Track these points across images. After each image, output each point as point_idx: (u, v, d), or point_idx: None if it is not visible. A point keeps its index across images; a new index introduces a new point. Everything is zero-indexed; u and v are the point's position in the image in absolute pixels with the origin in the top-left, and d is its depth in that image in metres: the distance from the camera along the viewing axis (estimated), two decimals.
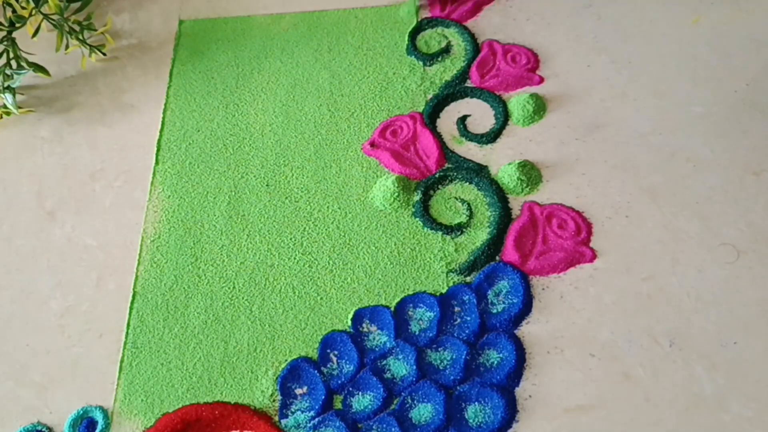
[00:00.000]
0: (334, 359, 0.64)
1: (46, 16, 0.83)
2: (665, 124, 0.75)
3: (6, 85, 0.81)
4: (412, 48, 0.83)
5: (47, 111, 0.84)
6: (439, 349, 0.64)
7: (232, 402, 0.63)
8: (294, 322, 0.67)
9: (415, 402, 0.61)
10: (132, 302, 0.69)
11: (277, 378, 0.64)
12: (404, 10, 0.86)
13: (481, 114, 0.78)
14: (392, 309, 0.66)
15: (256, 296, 0.68)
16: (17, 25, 0.81)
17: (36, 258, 0.73)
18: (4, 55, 0.81)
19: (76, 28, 0.85)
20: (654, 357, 0.61)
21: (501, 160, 0.74)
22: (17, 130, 0.83)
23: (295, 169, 0.76)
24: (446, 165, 0.74)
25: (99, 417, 0.63)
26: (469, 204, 0.72)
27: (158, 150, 0.79)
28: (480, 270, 0.67)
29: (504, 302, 0.65)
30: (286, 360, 0.65)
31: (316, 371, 0.64)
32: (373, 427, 0.61)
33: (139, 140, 0.80)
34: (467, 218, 0.71)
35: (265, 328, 0.66)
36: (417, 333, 0.65)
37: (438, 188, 0.73)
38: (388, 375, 0.63)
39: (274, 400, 0.63)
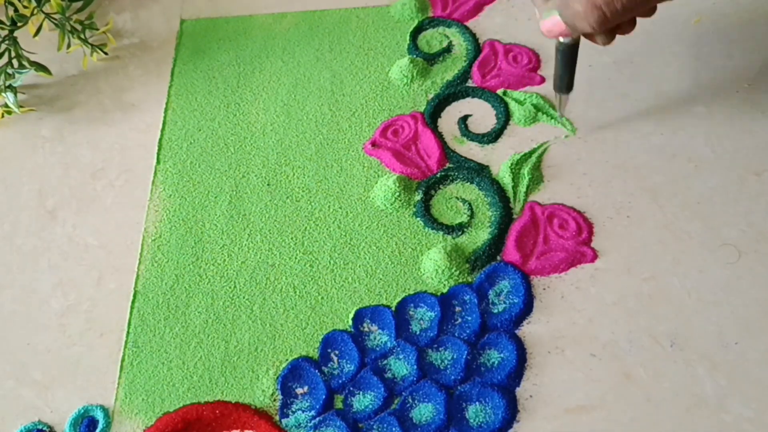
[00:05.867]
0: (335, 359, 0.64)
1: (47, 16, 0.83)
2: (666, 124, 0.74)
3: (7, 84, 0.81)
4: (414, 47, 0.83)
5: (48, 110, 0.84)
6: (440, 348, 0.64)
7: (233, 401, 0.63)
8: (295, 322, 0.67)
9: (416, 402, 0.61)
10: (133, 301, 0.69)
11: (277, 377, 0.64)
12: (398, 6, 0.87)
13: (482, 114, 0.78)
14: (393, 309, 0.66)
15: (257, 295, 0.68)
16: (19, 24, 0.81)
17: (37, 257, 0.73)
18: (6, 54, 0.81)
19: (78, 27, 0.85)
20: (655, 357, 0.61)
21: (502, 160, 0.74)
22: (18, 129, 0.83)
23: (297, 169, 0.76)
24: (447, 165, 0.74)
25: (100, 416, 0.63)
26: (470, 204, 0.72)
27: (159, 149, 0.79)
28: (481, 270, 0.67)
29: (505, 302, 0.65)
30: (286, 359, 0.65)
31: (316, 371, 0.64)
32: (374, 426, 0.61)
33: (140, 139, 0.80)
34: (468, 218, 0.71)
35: (266, 327, 0.67)
36: (418, 333, 0.65)
37: (439, 188, 0.73)
38: (388, 375, 0.63)
39: (274, 400, 0.63)
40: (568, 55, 0.65)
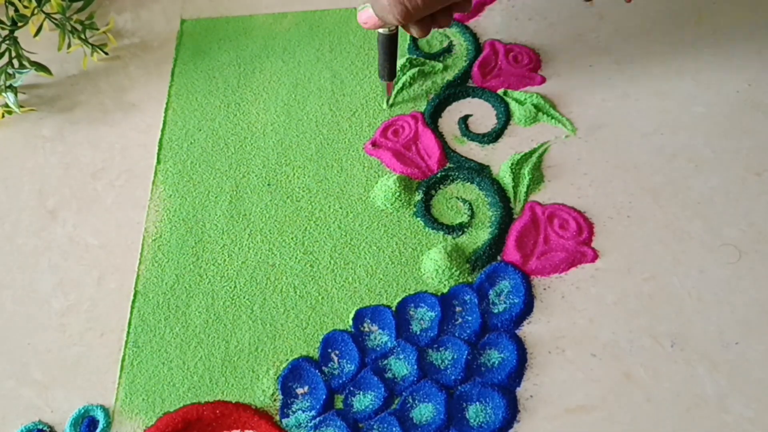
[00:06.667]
0: (335, 359, 0.64)
1: (48, 16, 0.83)
2: (667, 124, 0.75)
3: (8, 84, 0.81)
4: (414, 47, 0.83)
5: (49, 110, 0.84)
6: (440, 348, 0.64)
7: (233, 401, 0.63)
8: (295, 322, 0.67)
9: (416, 402, 0.61)
10: (133, 301, 0.69)
11: (278, 377, 0.64)
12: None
13: (482, 114, 0.78)
14: (393, 309, 0.66)
15: (258, 295, 0.68)
16: (19, 24, 0.81)
17: (37, 257, 0.73)
18: (6, 54, 0.81)
19: (78, 27, 0.85)
20: (655, 357, 0.61)
21: (502, 160, 0.74)
22: (19, 129, 0.83)
23: (297, 169, 0.76)
24: (448, 165, 0.74)
25: (100, 416, 0.63)
26: (470, 204, 0.72)
27: (160, 149, 0.79)
28: (481, 270, 0.67)
29: (505, 302, 0.65)
30: (287, 359, 0.65)
31: (317, 371, 0.64)
32: (374, 426, 0.61)
33: (140, 139, 0.80)
34: (469, 218, 0.71)
35: (267, 327, 0.67)
36: (418, 333, 0.65)
37: (439, 188, 0.73)
38: (389, 375, 0.63)
39: (275, 400, 0.63)
40: (387, 45, 0.70)
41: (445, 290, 0.67)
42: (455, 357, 0.63)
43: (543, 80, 0.79)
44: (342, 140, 0.78)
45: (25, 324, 0.69)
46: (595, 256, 0.67)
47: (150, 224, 0.74)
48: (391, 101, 0.79)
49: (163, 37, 0.89)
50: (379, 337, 0.65)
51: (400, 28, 0.65)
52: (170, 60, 0.87)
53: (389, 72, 0.74)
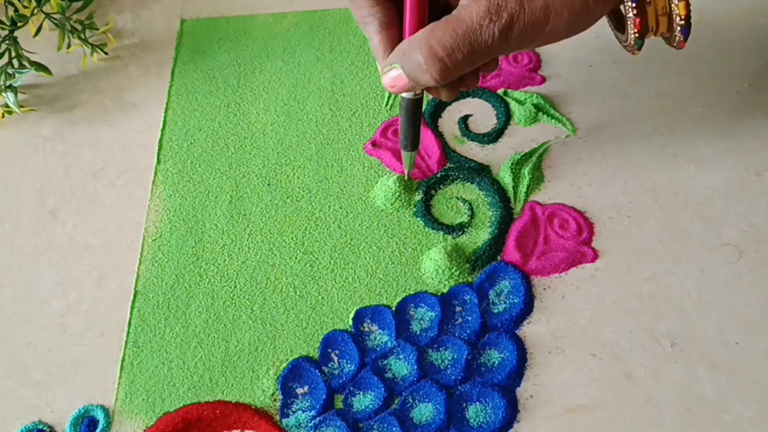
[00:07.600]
0: (335, 359, 0.64)
1: (48, 15, 0.83)
2: (667, 124, 0.75)
3: (8, 84, 0.81)
4: None
5: (49, 110, 0.84)
6: (440, 348, 0.64)
7: (233, 401, 0.63)
8: (295, 322, 0.67)
9: (416, 402, 0.61)
10: (133, 301, 0.69)
11: (278, 377, 0.64)
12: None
13: (482, 114, 0.78)
14: (393, 309, 0.66)
15: (258, 295, 0.68)
16: (19, 24, 0.81)
17: (37, 257, 0.73)
18: (6, 54, 0.81)
19: (78, 27, 0.85)
20: (655, 357, 0.61)
21: (503, 160, 0.74)
22: (19, 129, 0.83)
23: (297, 169, 0.76)
24: (448, 165, 0.74)
25: (100, 416, 0.63)
26: (470, 204, 0.72)
27: (160, 149, 0.79)
28: (481, 270, 0.67)
29: (505, 302, 0.65)
30: (287, 359, 0.65)
31: (317, 371, 0.64)
32: (374, 426, 0.61)
33: (140, 139, 0.80)
34: (469, 218, 0.71)
35: (267, 327, 0.66)
36: (418, 333, 0.65)
37: (439, 188, 0.73)
38: (389, 375, 0.63)
39: (275, 400, 0.63)
40: (412, 111, 0.60)
41: (445, 290, 0.67)
42: (455, 357, 0.63)
43: (543, 80, 0.79)
44: (342, 140, 0.78)
45: (25, 324, 0.69)
46: (595, 256, 0.67)
47: (150, 224, 0.74)
48: (408, 173, 0.69)
49: (163, 37, 0.89)
50: (379, 337, 0.65)
51: (425, 91, 0.59)
52: (170, 60, 0.87)
53: (413, 141, 0.63)
